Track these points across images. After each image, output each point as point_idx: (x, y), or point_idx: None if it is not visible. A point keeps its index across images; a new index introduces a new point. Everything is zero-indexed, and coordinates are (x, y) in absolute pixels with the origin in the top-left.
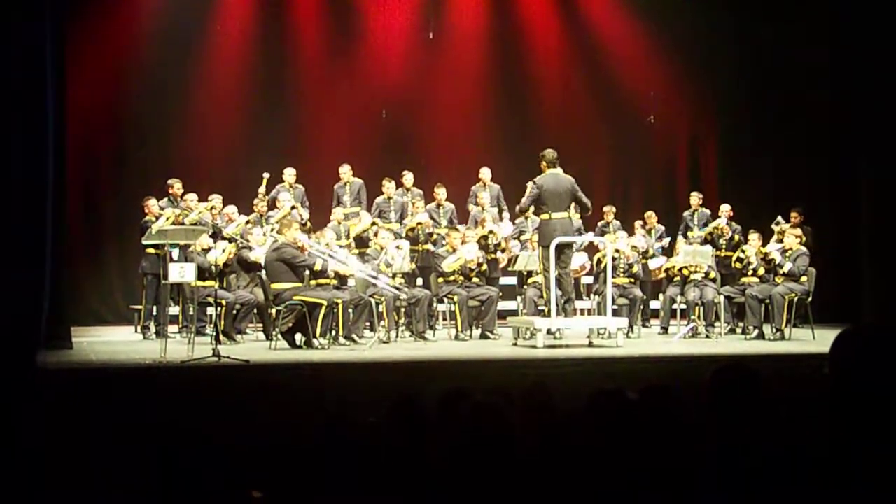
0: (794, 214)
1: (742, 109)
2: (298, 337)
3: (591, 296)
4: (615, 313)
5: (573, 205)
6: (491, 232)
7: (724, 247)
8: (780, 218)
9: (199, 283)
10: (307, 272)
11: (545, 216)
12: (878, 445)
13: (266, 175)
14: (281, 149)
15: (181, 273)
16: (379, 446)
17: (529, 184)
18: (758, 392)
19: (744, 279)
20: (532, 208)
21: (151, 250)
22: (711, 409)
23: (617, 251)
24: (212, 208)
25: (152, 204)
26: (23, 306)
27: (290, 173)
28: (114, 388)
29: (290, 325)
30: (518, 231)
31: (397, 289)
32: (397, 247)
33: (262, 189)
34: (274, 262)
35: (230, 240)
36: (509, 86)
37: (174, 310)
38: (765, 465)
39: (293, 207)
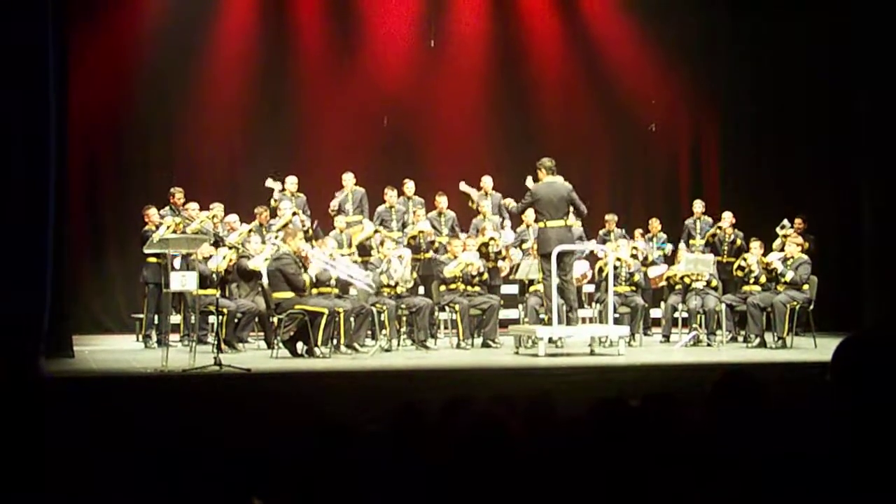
0: (798, 221)
1: (744, 116)
2: (300, 346)
3: (593, 304)
4: (617, 322)
5: (571, 212)
6: (492, 239)
7: (725, 252)
8: (785, 221)
9: (201, 292)
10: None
11: (541, 224)
12: (880, 453)
13: (270, 183)
14: (282, 156)
15: (183, 282)
16: (380, 455)
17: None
18: (759, 400)
19: (745, 287)
20: (529, 215)
21: (153, 259)
22: (713, 417)
23: (618, 259)
24: (213, 217)
25: (152, 213)
26: (24, 314)
27: (291, 182)
28: (115, 396)
29: (292, 333)
30: (519, 239)
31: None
32: (399, 256)
33: (275, 195)
34: (275, 270)
35: (231, 248)
36: (510, 94)
37: (176, 318)
38: (767, 473)
39: (294, 214)
